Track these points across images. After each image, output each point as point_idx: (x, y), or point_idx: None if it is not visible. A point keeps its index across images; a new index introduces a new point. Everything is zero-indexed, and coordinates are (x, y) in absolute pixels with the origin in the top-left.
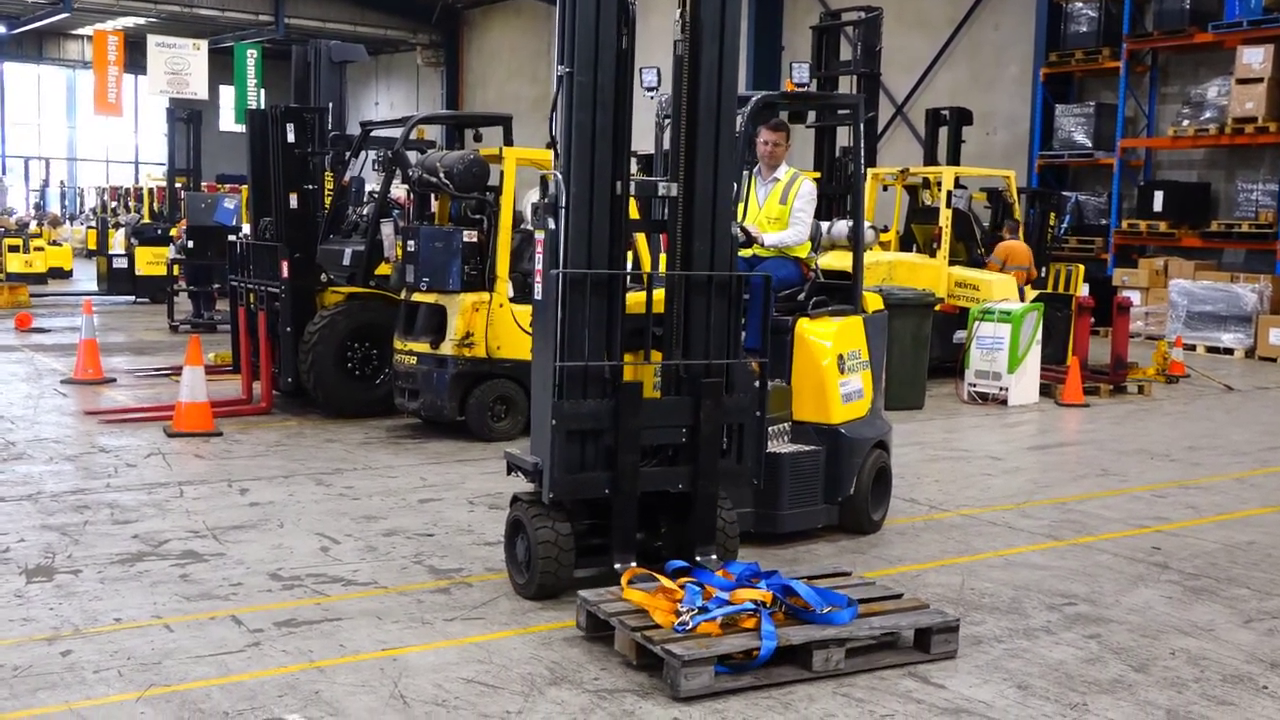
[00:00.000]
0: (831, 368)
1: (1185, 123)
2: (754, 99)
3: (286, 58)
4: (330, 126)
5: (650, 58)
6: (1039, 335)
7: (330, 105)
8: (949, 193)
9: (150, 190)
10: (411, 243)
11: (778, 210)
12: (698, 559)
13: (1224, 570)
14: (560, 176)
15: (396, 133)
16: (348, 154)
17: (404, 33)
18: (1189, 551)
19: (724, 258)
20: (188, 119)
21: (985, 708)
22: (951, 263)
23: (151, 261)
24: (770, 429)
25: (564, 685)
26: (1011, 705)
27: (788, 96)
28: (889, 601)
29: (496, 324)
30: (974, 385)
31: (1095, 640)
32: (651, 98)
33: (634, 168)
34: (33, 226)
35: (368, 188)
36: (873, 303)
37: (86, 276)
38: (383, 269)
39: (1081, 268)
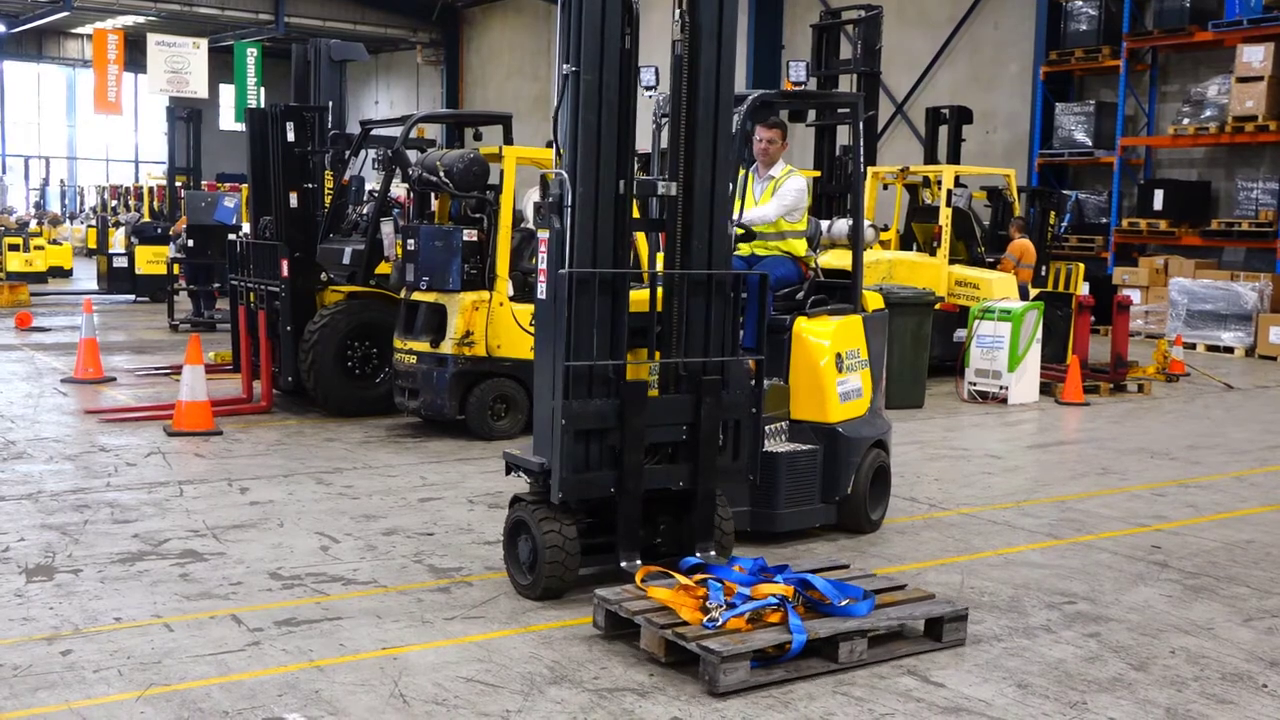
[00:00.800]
0: (829, 367)
1: (1185, 121)
2: (751, 97)
3: (286, 56)
4: (330, 125)
5: (647, 57)
6: (1039, 334)
7: (330, 104)
8: (949, 191)
9: (150, 189)
10: (411, 242)
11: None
12: (698, 555)
13: (1224, 569)
14: (566, 176)
15: (396, 131)
16: (348, 153)
17: (404, 31)
18: (1189, 550)
19: (722, 256)
20: (188, 118)
21: (985, 706)
22: (951, 261)
23: (151, 260)
24: (768, 428)
25: (564, 684)
26: (1011, 704)
27: (785, 95)
28: (897, 593)
29: (496, 323)
30: (974, 384)
31: (1095, 639)
32: (650, 97)
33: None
34: (33, 225)
35: (368, 187)
36: (873, 302)
37: (86, 275)
38: (383, 268)
39: (1082, 266)
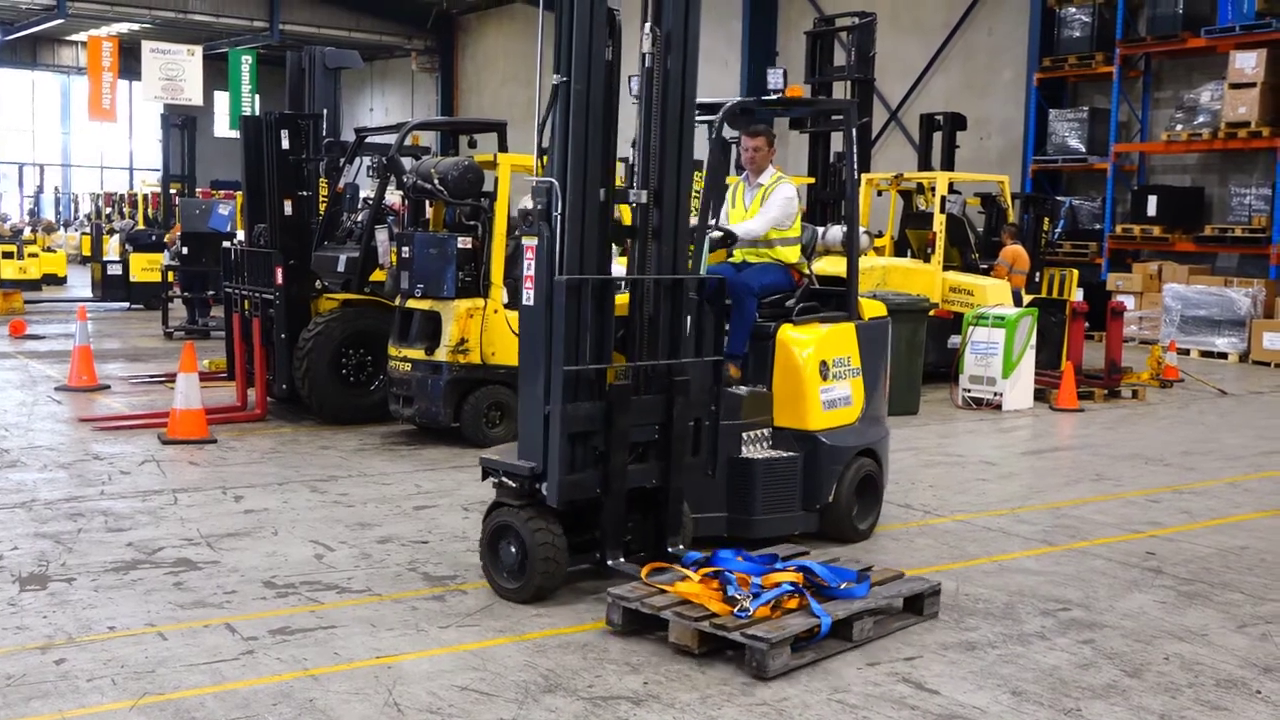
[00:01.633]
0: (812, 374)
1: (1179, 127)
2: (727, 104)
3: (281, 63)
4: (325, 133)
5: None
6: (1033, 340)
7: (325, 111)
8: (943, 198)
9: (145, 196)
10: (406, 249)
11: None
12: (669, 549)
13: (1218, 575)
14: (556, 184)
15: (391, 139)
16: (342, 160)
17: (399, 38)
18: (1183, 556)
19: (685, 261)
20: (182, 125)
21: (979, 714)
22: (946, 268)
23: (146, 268)
24: (749, 434)
25: (558, 692)
26: (1005, 711)
27: (764, 102)
28: (872, 573)
29: (491, 330)
30: (968, 390)
31: (1089, 645)
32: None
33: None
34: (27, 233)
35: (362, 194)
36: (873, 309)
37: (81, 283)
38: (377, 275)
39: (1075, 272)
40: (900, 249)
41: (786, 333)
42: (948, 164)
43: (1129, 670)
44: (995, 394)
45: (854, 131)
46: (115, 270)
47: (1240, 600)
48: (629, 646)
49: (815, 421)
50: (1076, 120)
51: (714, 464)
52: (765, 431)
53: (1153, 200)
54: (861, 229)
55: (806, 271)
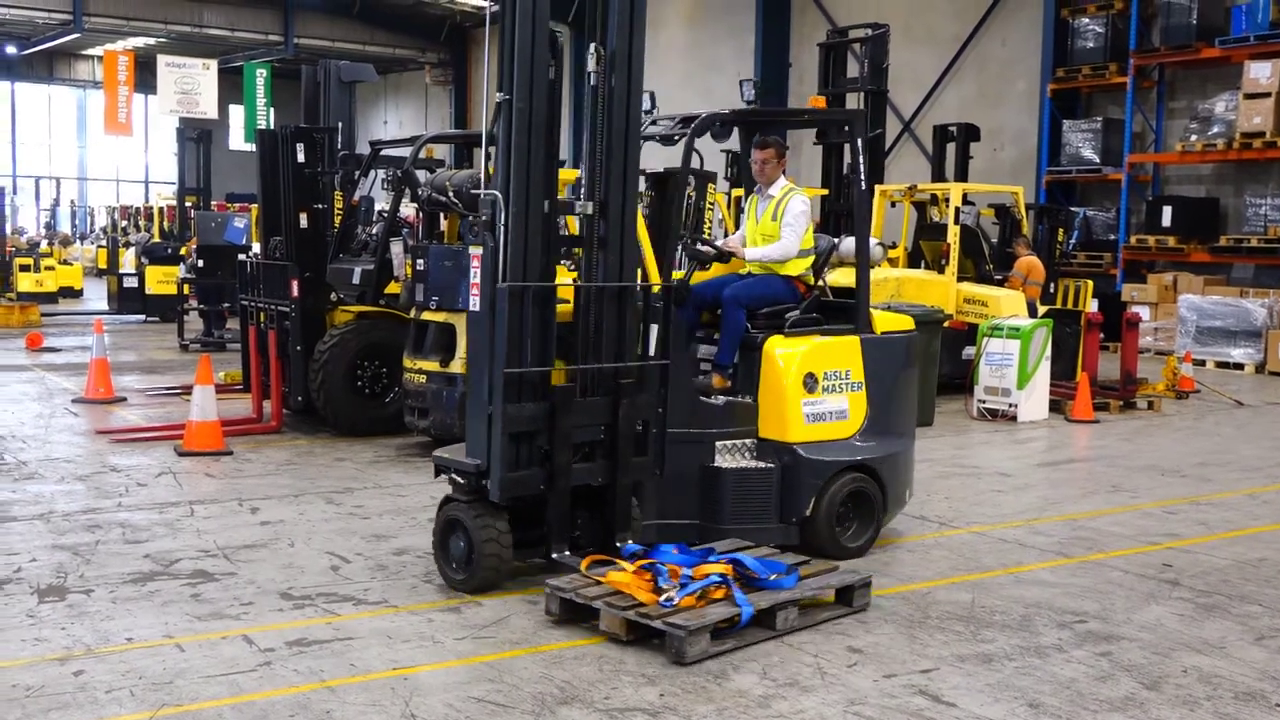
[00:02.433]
0: (794, 386)
1: (1193, 138)
2: (700, 117)
3: (296, 77)
4: (340, 146)
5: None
6: (1048, 351)
7: (340, 125)
8: (957, 209)
9: (160, 209)
10: (421, 261)
11: (770, 227)
12: (618, 544)
13: (1236, 587)
14: (499, 196)
15: (405, 152)
16: (357, 173)
17: (412, 51)
18: (1200, 568)
19: (631, 268)
20: (198, 138)
21: None
22: (960, 279)
23: (162, 280)
24: (727, 444)
25: (575, 704)
26: None
27: (741, 114)
28: (805, 566)
29: None
30: (983, 401)
31: (1106, 658)
32: (649, 114)
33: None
34: (43, 246)
35: (377, 207)
36: (895, 323)
37: (97, 296)
38: (392, 288)
39: (1090, 283)
40: (914, 260)
41: (772, 344)
42: (961, 175)
43: (1147, 683)
44: (1010, 405)
45: (860, 142)
46: (131, 283)
47: (1259, 612)
48: (644, 658)
49: (795, 434)
50: (1090, 131)
51: (661, 465)
52: (749, 442)
53: (1167, 211)
54: (875, 240)
55: (813, 283)
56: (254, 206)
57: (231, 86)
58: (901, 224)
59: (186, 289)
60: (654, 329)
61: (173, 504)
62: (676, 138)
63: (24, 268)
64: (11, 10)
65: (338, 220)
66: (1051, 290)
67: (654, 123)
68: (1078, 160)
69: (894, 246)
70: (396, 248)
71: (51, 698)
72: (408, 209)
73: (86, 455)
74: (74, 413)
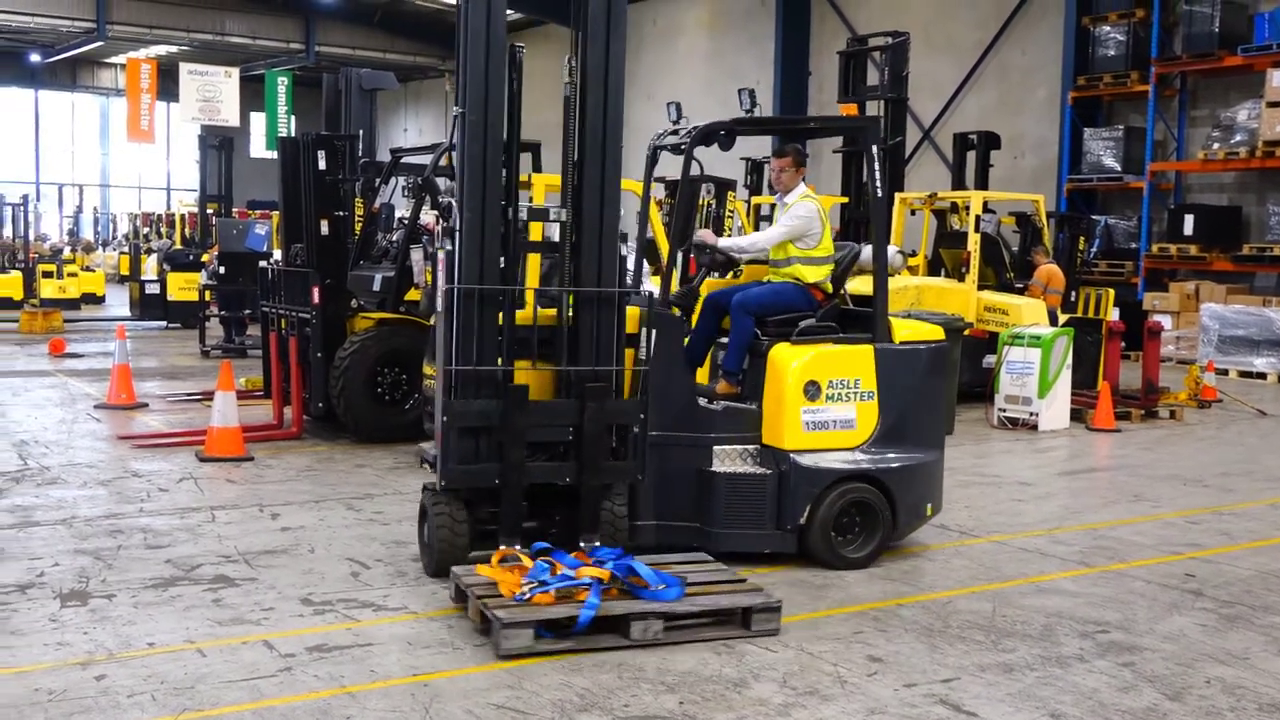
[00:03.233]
0: (793, 393)
1: (1215, 146)
2: (697, 127)
3: (317, 84)
4: (361, 153)
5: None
6: (1069, 360)
7: (361, 132)
8: (978, 217)
9: (182, 216)
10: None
11: None
12: (581, 545)
13: (1259, 597)
14: (455, 203)
15: (426, 159)
16: (378, 180)
17: (433, 59)
18: (1223, 578)
19: (610, 275)
20: (219, 145)
21: None
22: (980, 287)
23: (183, 287)
24: (726, 449)
25: (594, 711)
26: None
27: (741, 122)
28: (725, 585)
29: None
30: (1004, 410)
31: (1129, 668)
32: (675, 125)
33: (662, 193)
34: (66, 252)
35: (397, 214)
36: (921, 333)
37: (119, 302)
38: (412, 295)
39: (1111, 292)
40: (934, 268)
41: (777, 351)
42: (982, 183)
43: (1170, 694)
44: (1031, 414)
45: (874, 150)
46: (153, 289)
47: None
48: (664, 665)
49: (792, 441)
50: (1112, 139)
51: (642, 470)
52: (751, 448)
53: (1189, 219)
54: (895, 248)
55: (832, 291)
56: (275, 213)
57: (253, 94)
58: (921, 232)
59: (208, 295)
60: (650, 334)
61: (194, 509)
62: (684, 147)
63: (47, 274)
64: (36, 19)
65: (358, 227)
66: (1073, 299)
67: (675, 132)
68: (1099, 168)
69: (913, 254)
70: (417, 255)
71: (74, 702)
72: (428, 216)
73: (108, 460)
74: (96, 418)
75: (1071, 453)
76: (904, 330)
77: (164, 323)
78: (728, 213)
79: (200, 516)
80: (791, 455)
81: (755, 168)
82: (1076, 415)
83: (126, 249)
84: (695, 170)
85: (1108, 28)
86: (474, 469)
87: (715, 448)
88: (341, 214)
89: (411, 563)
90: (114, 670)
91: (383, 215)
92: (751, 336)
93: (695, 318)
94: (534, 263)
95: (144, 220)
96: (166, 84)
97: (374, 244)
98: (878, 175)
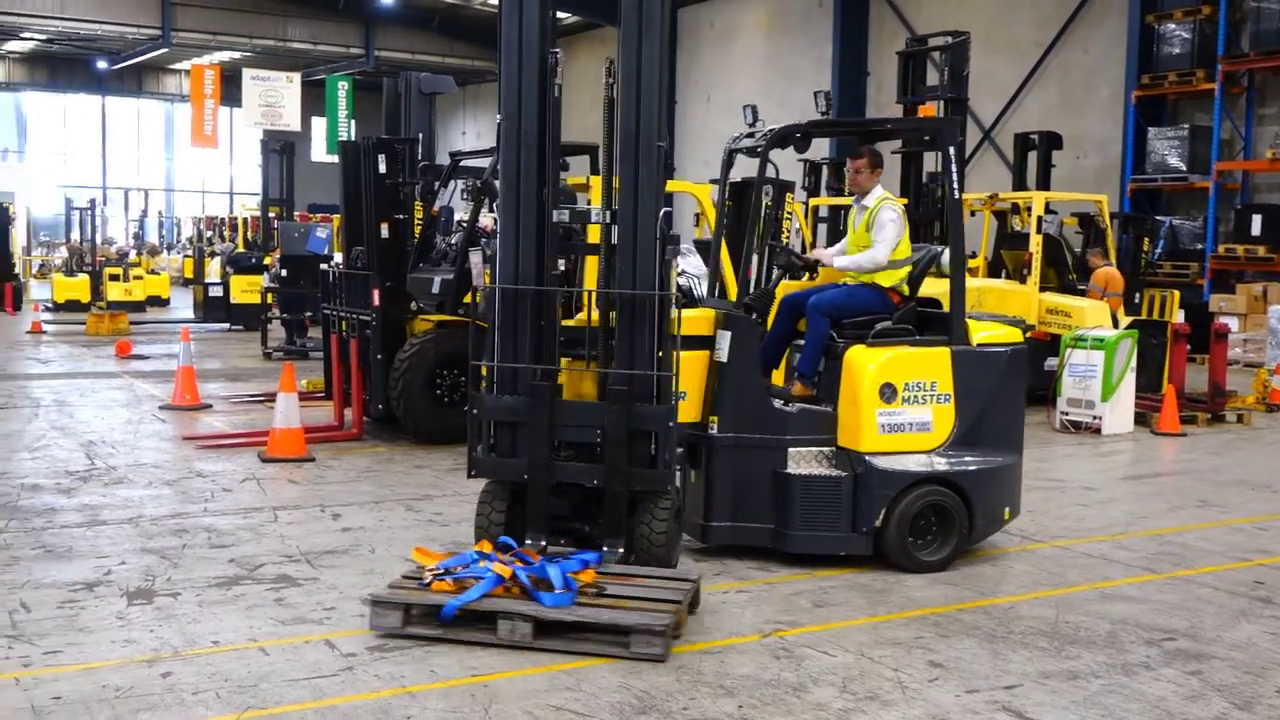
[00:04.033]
0: (869, 395)
1: None
2: (773, 129)
3: (377, 89)
4: (420, 157)
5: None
6: (1133, 363)
7: (420, 135)
8: (1039, 218)
9: (244, 220)
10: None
11: (864, 237)
12: (605, 549)
13: None
14: (498, 206)
15: (485, 162)
16: (437, 184)
17: (491, 63)
18: None
19: (646, 277)
20: (281, 150)
21: None
22: (1042, 289)
23: (246, 290)
24: (801, 450)
25: (652, 714)
26: None
27: (818, 124)
28: (647, 602)
29: None
30: (1066, 414)
31: (1197, 677)
32: (752, 129)
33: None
34: (132, 256)
35: (456, 217)
36: (998, 335)
37: (183, 304)
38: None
39: (1177, 294)
40: (994, 270)
41: (852, 353)
42: (1043, 183)
43: (1239, 703)
44: (1094, 417)
45: (951, 151)
46: (216, 292)
47: None
48: (722, 669)
49: (868, 443)
50: (1177, 138)
51: (672, 478)
52: (827, 450)
53: (1257, 219)
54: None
55: (908, 293)
56: (336, 217)
57: (314, 99)
58: (981, 233)
59: (270, 298)
60: (726, 336)
61: (257, 509)
62: (759, 150)
63: (114, 277)
64: (103, 26)
65: (418, 230)
66: (1137, 300)
67: (750, 135)
68: (1163, 168)
69: (973, 256)
70: (475, 257)
71: (140, 698)
72: (487, 219)
73: (173, 461)
74: (161, 419)
75: (1136, 457)
76: (981, 332)
77: (227, 325)
78: (786, 214)
79: (263, 516)
80: (867, 458)
81: (813, 169)
82: (1141, 419)
83: (190, 252)
84: (771, 173)
85: (1173, 25)
86: (502, 462)
87: (790, 450)
88: (401, 217)
89: None
90: (179, 668)
91: (442, 218)
92: (827, 338)
93: (770, 320)
94: (592, 264)
95: (207, 224)
96: (229, 89)
97: (433, 246)
98: (955, 177)
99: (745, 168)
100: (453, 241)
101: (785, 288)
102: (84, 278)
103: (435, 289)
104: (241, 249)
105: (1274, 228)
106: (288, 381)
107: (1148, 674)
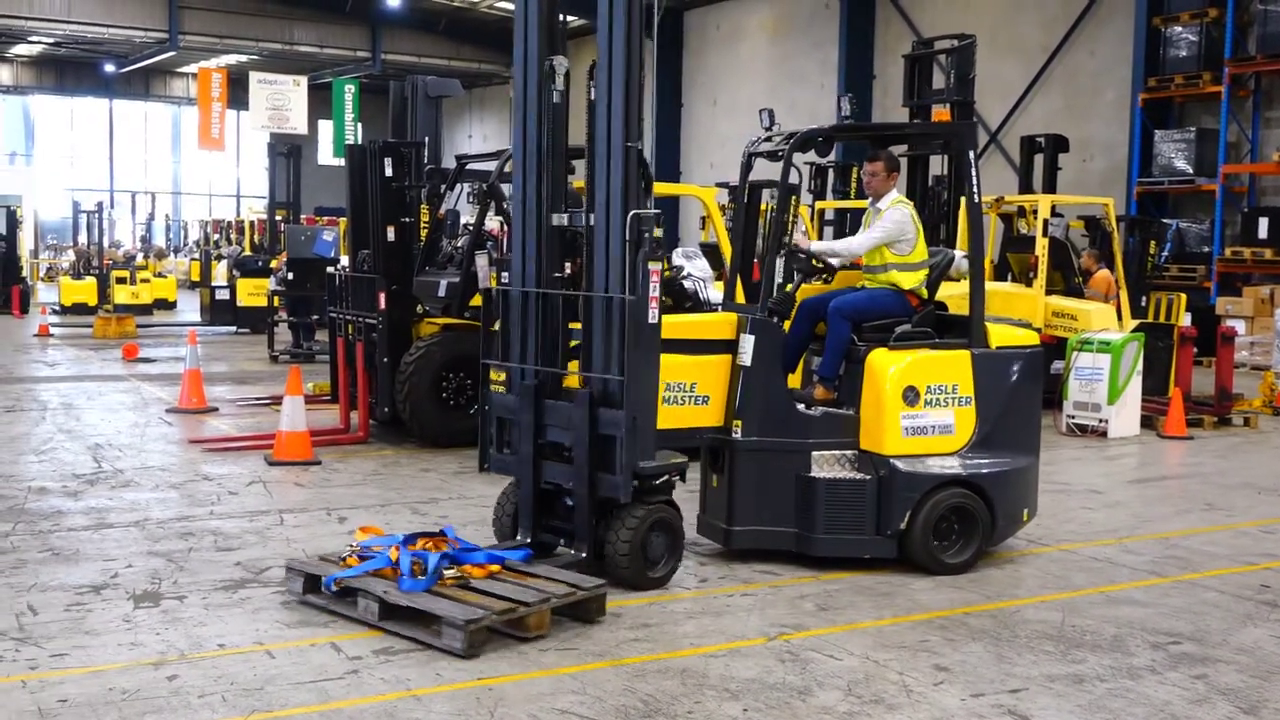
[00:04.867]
0: (893, 398)
1: None
2: (794, 134)
3: (383, 92)
4: (426, 160)
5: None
6: (1139, 366)
7: (426, 139)
8: (1046, 221)
9: (251, 223)
10: (505, 274)
11: None
12: (573, 552)
13: None
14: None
15: (491, 166)
16: (443, 187)
17: (497, 66)
18: None
19: (615, 279)
20: (288, 153)
21: None
22: (1048, 292)
23: (252, 293)
24: (824, 454)
25: (658, 717)
26: None
27: (838, 129)
28: (498, 600)
29: None
30: (1073, 417)
31: (1202, 680)
32: (769, 132)
33: (725, 198)
34: (139, 259)
35: (463, 220)
36: (1016, 338)
37: (190, 308)
38: (477, 300)
39: (1183, 297)
40: (1000, 273)
41: (874, 356)
42: (1049, 186)
43: (1245, 707)
44: (1100, 421)
45: (971, 155)
46: (223, 295)
47: None
48: (728, 672)
49: (891, 446)
50: (1183, 141)
51: (628, 486)
52: (849, 454)
53: (1264, 222)
54: (959, 252)
55: (926, 297)
56: (342, 220)
57: (320, 102)
58: (988, 236)
59: (276, 301)
60: (749, 340)
61: (263, 512)
62: (779, 154)
63: (120, 280)
64: (110, 30)
65: (424, 233)
66: (1143, 304)
67: (769, 139)
68: (1170, 171)
69: None
70: (482, 260)
71: (146, 701)
72: (493, 222)
73: (180, 464)
74: (168, 422)
75: (1142, 460)
76: (999, 336)
77: (234, 328)
78: (791, 217)
79: (269, 520)
80: (891, 460)
81: (819, 172)
82: (1147, 422)
83: (197, 255)
84: (794, 178)
85: (1179, 28)
86: (503, 458)
87: (814, 453)
88: (408, 220)
89: None
90: (185, 671)
91: (448, 221)
92: (848, 342)
93: (789, 323)
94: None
95: (214, 227)
96: (236, 93)
97: (439, 250)
98: (974, 180)
99: (761, 170)
100: (459, 245)
101: (805, 292)
102: (91, 281)
103: (441, 292)
104: (248, 252)
105: None
106: (294, 385)
107: (1153, 678)
